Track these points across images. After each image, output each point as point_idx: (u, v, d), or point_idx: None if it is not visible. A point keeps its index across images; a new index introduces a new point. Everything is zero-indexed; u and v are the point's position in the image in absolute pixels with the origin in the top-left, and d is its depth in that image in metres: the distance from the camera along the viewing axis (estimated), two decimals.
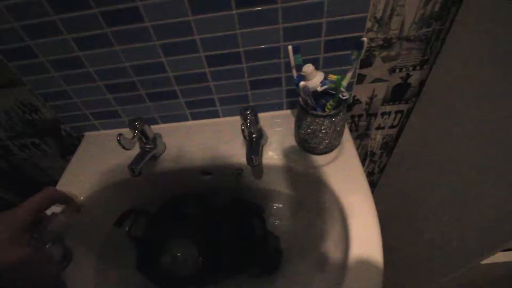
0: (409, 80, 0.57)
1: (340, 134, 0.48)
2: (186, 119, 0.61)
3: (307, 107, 0.44)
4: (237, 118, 0.60)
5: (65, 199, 0.37)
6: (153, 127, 0.60)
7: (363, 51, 0.37)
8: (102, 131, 0.63)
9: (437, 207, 0.58)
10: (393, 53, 0.51)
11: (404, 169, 0.71)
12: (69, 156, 0.66)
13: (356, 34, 0.46)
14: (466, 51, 0.45)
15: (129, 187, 0.55)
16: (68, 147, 0.71)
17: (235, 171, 0.55)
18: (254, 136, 0.50)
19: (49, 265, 0.32)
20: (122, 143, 0.46)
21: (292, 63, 0.41)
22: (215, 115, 0.60)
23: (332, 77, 0.38)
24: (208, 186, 0.57)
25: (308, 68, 0.41)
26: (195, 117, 0.61)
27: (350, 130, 0.68)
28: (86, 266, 0.52)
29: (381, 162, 0.80)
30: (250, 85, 0.54)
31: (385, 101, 0.61)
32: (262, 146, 0.53)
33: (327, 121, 0.44)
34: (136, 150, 0.50)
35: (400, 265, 0.82)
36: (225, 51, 0.48)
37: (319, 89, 0.41)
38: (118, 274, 0.54)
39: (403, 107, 0.63)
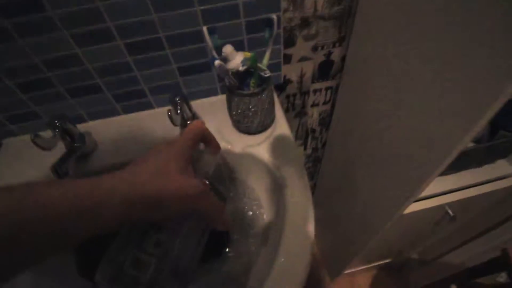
0: (332, 57, 0.61)
1: (270, 112, 0.50)
2: (117, 113, 0.58)
3: (232, 87, 0.45)
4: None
5: (210, 137, 0.31)
6: (82, 125, 0.57)
7: (275, 29, 0.39)
8: (23, 136, 0.58)
9: (369, 166, 0.65)
10: (312, 31, 0.55)
11: (340, 140, 0.77)
12: None
13: (273, 14, 0.48)
14: (375, 24, 0.50)
15: None
16: None
17: None
18: (188, 122, 0.50)
19: (220, 201, 0.27)
20: (38, 144, 0.43)
21: (210, 44, 0.41)
22: (148, 106, 0.58)
23: (246, 54, 0.39)
24: None
25: (227, 48, 0.41)
26: (127, 110, 0.58)
27: (287, 110, 0.71)
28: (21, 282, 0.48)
29: (322, 137, 0.85)
30: (179, 72, 0.53)
31: (314, 79, 0.65)
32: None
33: (254, 100, 0.45)
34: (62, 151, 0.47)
35: (342, 229, 0.90)
36: (145, 37, 0.47)
37: (240, 68, 0.43)
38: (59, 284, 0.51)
39: (332, 83, 0.67)
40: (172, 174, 0.23)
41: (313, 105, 0.72)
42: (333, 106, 0.74)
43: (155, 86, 0.55)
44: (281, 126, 0.54)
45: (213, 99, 0.60)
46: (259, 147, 0.51)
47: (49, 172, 0.44)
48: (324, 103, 0.72)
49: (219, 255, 0.51)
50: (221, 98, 0.60)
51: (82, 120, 0.57)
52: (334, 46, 0.58)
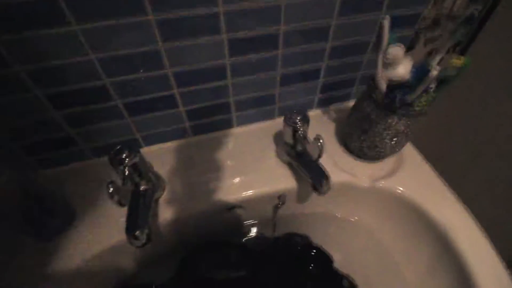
0: None
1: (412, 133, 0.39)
2: (183, 135, 0.42)
3: (392, 105, 0.32)
4: (259, 126, 0.45)
5: None
6: None
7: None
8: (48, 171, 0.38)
9: None
10: (436, 34, 0.45)
11: None
12: None
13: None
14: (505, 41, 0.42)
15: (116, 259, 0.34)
16: None
17: (276, 200, 0.40)
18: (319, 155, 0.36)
19: None
20: (115, 197, 0.26)
21: (385, 41, 0.29)
22: (227, 124, 0.43)
23: (457, 62, 0.27)
24: (234, 226, 0.41)
25: (397, 50, 0.30)
26: (198, 131, 0.42)
27: None
28: None
29: None
30: (280, 80, 0.39)
31: None
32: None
33: (412, 121, 0.34)
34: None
35: None
36: (257, 31, 0.32)
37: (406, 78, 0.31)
38: None
39: None
40: None
41: None
42: None
43: (242, 99, 0.40)
44: (408, 149, 0.43)
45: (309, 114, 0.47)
46: (393, 179, 0.39)
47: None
48: None
49: None
50: (318, 113, 0.47)
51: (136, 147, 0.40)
52: (448, 52, 0.49)
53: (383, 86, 0.33)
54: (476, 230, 0.34)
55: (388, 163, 0.41)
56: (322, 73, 0.41)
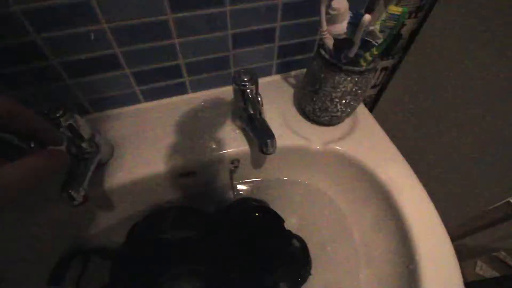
0: (401, 30, 0.51)
1: (364, 95, 0.39)
2: (135, 101, 0.41)
3: (338, 61, 0.32)
4: (215, 92, 0.43)
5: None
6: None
7: None
8: None
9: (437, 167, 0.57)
10: None
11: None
12: None
13: None
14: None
15: (64, 221, 0.34)
16: None
17: (230, 165, 0.39)
18: (260, 112, 0.36)
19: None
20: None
21: None
22: (181, 90, 0.42)
23: (395, 9, 0.27)
24: (190, 192, 0.41)
25: (341, 3, 0.28)
26: (149, 96, 0.41)
27: None
28: None
29: None
30: (232, 41, 0.38)
31: None
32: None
33: (362, 80, 0.33)
34: None
35: None
36: None
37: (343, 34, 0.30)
38: None
39: (389, 63, 0.58)
40: None
41: None
42: (380, 91, 0.65)
43: (194, 62, 0.39)
44: (362, 114, 0.43)
45: (267, 80, 0.46)
46: (343, 141, 0.39)
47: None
48: (373, 86, 0.63)
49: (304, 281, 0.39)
50: (276, 79, 0.46)
51: (81, 111, 0.39)
52: (409, 16, 0.48)
53: (329, 42, 0.32)
54: (420, 191, 0.35)
55: (342, 128, 0.41)
56: (277, 34, 0.40)
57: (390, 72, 0.60)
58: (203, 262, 0.34)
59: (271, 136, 0.33)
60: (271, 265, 0.35)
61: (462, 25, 0.44)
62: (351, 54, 0.30)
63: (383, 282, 0.34)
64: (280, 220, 0.37)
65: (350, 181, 0.39)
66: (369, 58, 0.31)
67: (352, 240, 0.39)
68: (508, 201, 0.46)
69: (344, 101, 0.35)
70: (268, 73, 0.45)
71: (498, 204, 0.47)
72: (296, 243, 0.38)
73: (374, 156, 0.38)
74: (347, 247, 0.39)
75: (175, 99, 0.42)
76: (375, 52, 0.30)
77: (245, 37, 0.38)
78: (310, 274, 0.36)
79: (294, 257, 0.37)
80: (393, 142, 0.40)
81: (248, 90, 0.33)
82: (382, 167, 0.37)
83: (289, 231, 0.38)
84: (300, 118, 0.42)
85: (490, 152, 0.46)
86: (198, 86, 0.42)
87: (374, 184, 0.37)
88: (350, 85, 0.33)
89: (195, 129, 0.39)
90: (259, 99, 0.33)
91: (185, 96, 0.42)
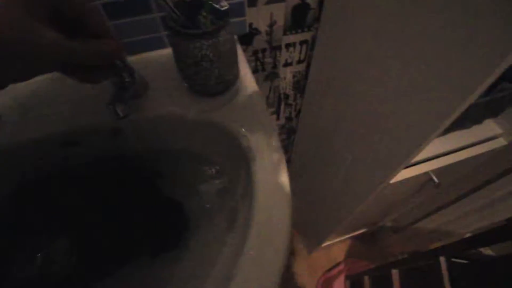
0: (307, 0, 0.49)
1: (231, 63, 0.39)
2: None
3: (176, 25, 0.32)
4: None
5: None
6: None
7: None
8: None
9: (351, 135, 0.57)
10: None
11: (317, 106, 0.68)
12: None
13: None
14: None
15: None
16: None
17: (110, 132, 0.41)
18: (126, 80, 0.37)
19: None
20: None
21: None
22: None
23: None
24: (77, 163, 0.43)
25: None
26: None
27: (256, 71, 0.60)
28: None
29: (297, 104, 0.76)
30: (105, 12, 0.39)
31: (286, 29, 0.53)
32: (138, 94, 0.40)
33: (208, 43, 0.33)
34: None
35: (321, 203, 0.84)
36: None
37: None
38: None
39: (307, 36, 0.56)
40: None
41: (286, 65, 0.61)
42: (308, 66, 0.64)
43: None
44: (248, 84, 0.43)
45: (160, 53, 0.46)
46: (219, 111, 0.40)
47: None
48: (299, 61, 0.62)
49: (173, 247, 0.41)
50: (169, 52, 0.47)
51: None
52: None
53: (169, 3, 0.32)
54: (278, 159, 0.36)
55: (223, 98, 0.41)
56: (152, 5, 0.40)
57: (311, 45, 0.59)
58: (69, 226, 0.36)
59: (121, 99, 0.34)
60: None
61: None
62: (175, 16, 0.30)
63: None
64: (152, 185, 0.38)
65: (222, 148, 0.40)
66: (203, 20, 0.31)
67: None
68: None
69: (199, 67, 0.36)
70: (161, 46, 0.46)
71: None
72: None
73: (245, 124, 0.38)
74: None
75: None
76: (204, 14, 0.30)
77: (118, 7, 0.39)
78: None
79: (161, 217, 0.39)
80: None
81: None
82: (248, 135, 0.37)
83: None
84: (183, 90, 0.42)
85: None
86: None
87: (239, 149, 0.37)
88: (197, 52, 0.33)
89: (70, 96, 0.41)
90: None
91: None
